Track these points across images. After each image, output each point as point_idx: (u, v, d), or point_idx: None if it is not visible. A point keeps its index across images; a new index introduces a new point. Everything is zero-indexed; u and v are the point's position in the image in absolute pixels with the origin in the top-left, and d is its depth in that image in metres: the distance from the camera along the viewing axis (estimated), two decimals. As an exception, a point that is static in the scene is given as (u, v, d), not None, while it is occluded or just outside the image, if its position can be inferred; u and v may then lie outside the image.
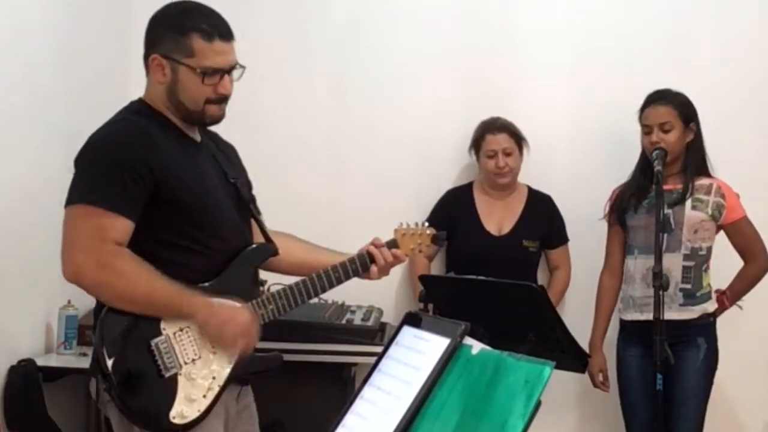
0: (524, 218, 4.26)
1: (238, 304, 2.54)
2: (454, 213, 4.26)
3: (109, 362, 2.39)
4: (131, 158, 2.43)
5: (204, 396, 2.47)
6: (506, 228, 4.24)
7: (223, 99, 2.57)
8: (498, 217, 4.26)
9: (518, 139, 4.21)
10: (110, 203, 2.40)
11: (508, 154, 4.17)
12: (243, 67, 2.60)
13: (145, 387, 2.42)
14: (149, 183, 2.44)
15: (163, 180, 2.45)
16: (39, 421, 3.42)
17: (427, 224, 2.87)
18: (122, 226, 2.42)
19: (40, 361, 3.50)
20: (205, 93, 2.53)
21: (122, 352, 2.41)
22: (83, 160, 2.50)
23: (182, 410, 2.43)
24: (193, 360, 2.47)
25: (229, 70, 2.56)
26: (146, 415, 2.43)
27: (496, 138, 4.18)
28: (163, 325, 2.45)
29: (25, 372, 3.39)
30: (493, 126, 4.21)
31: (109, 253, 2.40)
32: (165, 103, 2.57)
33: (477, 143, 4.25)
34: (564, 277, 4.30)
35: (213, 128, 2.77)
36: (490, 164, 4.19)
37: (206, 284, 2.54)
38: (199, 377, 2.47)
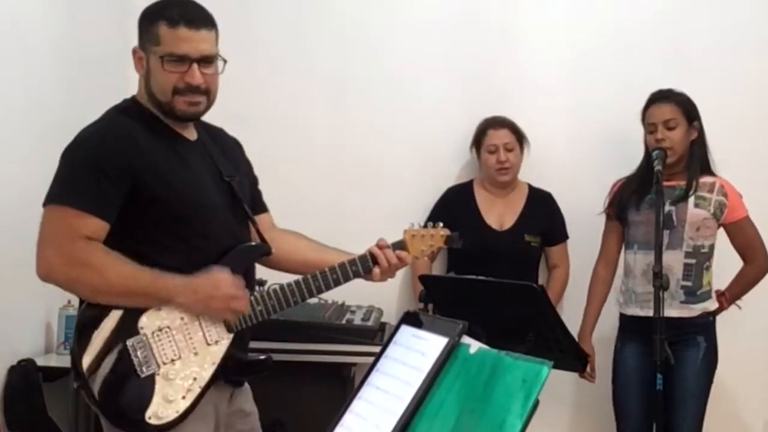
0: (525, 214, 4.27)
1: (215, 271, 2.48)
2: (455, 210, 4.26)
3: (85, 361, 2.38)
4: (107, 158, 2.42)
5: (183, 397, 2.43)
6: (508, 223, 4.25)
7: (192, 89, 2.48)
8: (499, 213, 4.27)
9: (519, 136, 4.23)
10: (82, 203, 2.39)
11: (509, 150, 4.19)
12: (224, 60, 2.54)
13: (121, 386, 2.40)
14: (126, 183, 2.42)
15: (143, 179, 2.43)
16: (39, 421, 3.43)
17: (441, 225, 2.75)
18: (95, 226, 2.40)
19: (40, 361, 3.51)
20: (170, 81, 2.47)
21: (100, 351, 2.39)
22: (62, 160, 2.50)
23: (158, 411, 2.40)
24: (173, 360, 2.44)
25: (198, 60, 2.48)
26: (120, 415, 2.41)
27: (498, 133, 4.20)
28: (141, 324, 2.43)
29: (25, 372, 3.39)
30: (494, 122, 4.24)
31: (78, 249, 2.38)
32: (149, 97, 2.56)
33: (478, 139, 4.27)
34: (562, 276, 4.30)
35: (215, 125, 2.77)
36: (491, 159, 4.20)
37: None
38: (178, 378, 2.43)
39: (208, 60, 2.50)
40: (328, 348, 3.69)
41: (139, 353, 2.41)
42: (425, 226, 2.74)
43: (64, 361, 3.58)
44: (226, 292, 2.47)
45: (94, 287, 2.41)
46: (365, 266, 2.65)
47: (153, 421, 2.40)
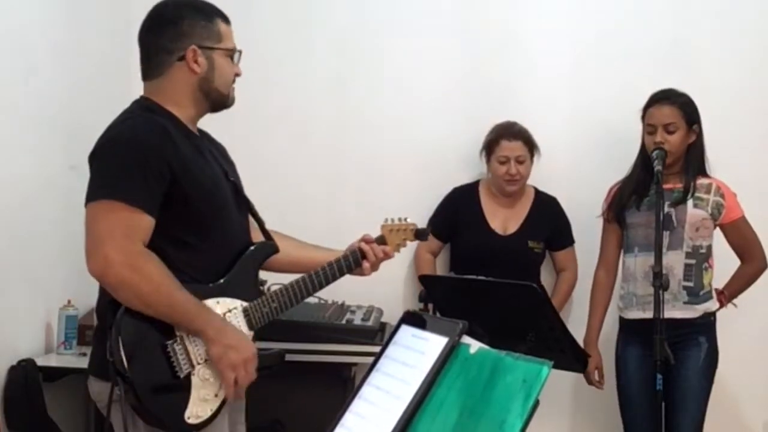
0: (530, 219, 4.24)
1: (247, 336, 2.55)
2: (458, 211, 4.26)
3: (125, 363, 2.37)
4: (153, 155, 2.42)
5: (216, 395, 2.48)
6: (512, 228, 4.22)
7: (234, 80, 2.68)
8: (503, 217, 4.24)
9: (531, 147, 4.17)
10: (135, 200, 2.39)
11: (520, 162, 4.13)
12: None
13: (162, 388, 2.42)
14: (168, 180, 2.43)
15: (180, 177, 2.45)
16: (39, 421, 3.42)
17: (408, 219, 2.92)
18: (146, 224, 2.41)
19: (40, 361, 3.50)
20: (232, 74, 2.64)
21: (139, 353, 2.39)
22: (104, 156, 2.47)
23: (197, 410, 2.44)
24: (206, 360, 2.47)
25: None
26: (162, 416, 2.43)
27: (511, 145, 4.13)
28: None
29: (25, 372, 3.39)
30: (509, 132, 4.16)
31: (139, 254, 2.38)
32: (190, 96, 2.58)
33: (490, 147, 4.20)
34: (570, 279, 4.28)
35: (211, 128, 2.78)
36: (501, 170, 4.15)
37: (215, 284, 2.54)
38: (211, 377, 2.47)
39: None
40: (328, 348, 3.68)
41: (178, 355, 2.43)
42: (397, 220, 2.93)
43: (64, 361, 3.60)
44: (245, 355, 2.49)
45: (143, 297, 2.39)
46: (356, 261, 2.81)
47: (192, 421, 2.43)
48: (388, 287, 4.32)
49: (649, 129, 3.82)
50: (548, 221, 4.27)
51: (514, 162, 4.12)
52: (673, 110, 3.78)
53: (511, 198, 4.25)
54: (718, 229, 3.88)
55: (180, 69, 2.56)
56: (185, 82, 2.57)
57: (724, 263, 3.93)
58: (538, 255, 4.24)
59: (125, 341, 2.38)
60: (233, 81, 2.65)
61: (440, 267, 4.38)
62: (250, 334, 2.58)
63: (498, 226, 4.22)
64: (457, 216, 4.24)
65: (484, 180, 4.34)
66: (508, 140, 4.14)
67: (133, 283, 2.38)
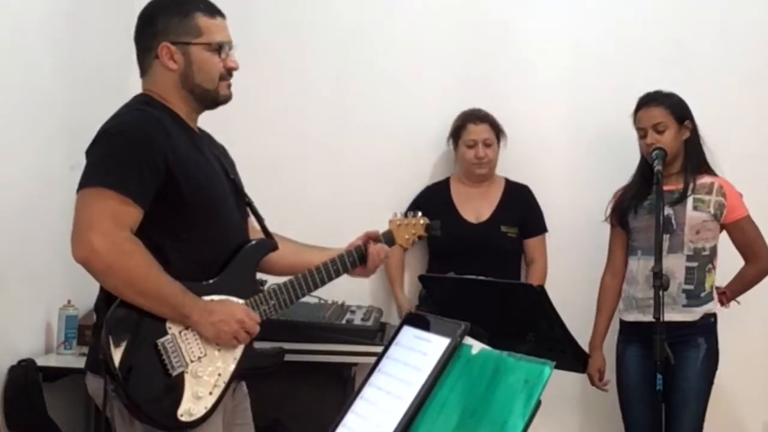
0: (502, 205, 4.27)
1: (233, 301, 2.54)
2: (429, 206, 4.23)
3: (117, 361, 2.37)
4: (148, 148, 2.42)
5: (210, 393, 2.47)
6: (484, 216, 4.25)
7: (230, 75, 2.62)
8: (475, 206, 4.27)
9: (498, 131, 4.25)
10: (126, 190, 2.38)
11: (487, 145, 4.21)
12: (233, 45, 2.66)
13: (153, 386, 2.41)
14: (162, 174, 2.43)
15: (175, 171, 2.45)
16: (39, 421, 3.42)
17: (420, 214, 2.92)
18: (135, 214, 2.41)
19: (40, 361, 3.50)
20: (217, 69, 2.58)
21: (129, 352, 2.39)
22: (99, 146, 2.47)
23: (190, 408, 2.43)
24: (199, 358, 2.47)
25: (231, 46, 2.62)
26: (154, 414, 2.42)
27: (477, 128, 4.21)
28: (168, 324, 2.44)
29: (25, 372, 3.38)
30: (474, 116, 4.24)
31: (125, 239, 2.38)
32: (176, 93, 2.57)
33: (457, 132, 4.27)
34: (540, 271, 4.25)
35: (210, 128, 2.78)
36: (469, 153, 4.21)
37: (210, 281, 2.53)
38: (205, 374, 2.47)
39: (232, 45, 2.64)
40: (328, 348, 3.68)
41: (169, 353, 2.43)
42: (405, 215, 2.94)
43: (64, 361, 3.59)
44: (239, 318, 2.51)
45: (130, 281, 2.39)
46: (360, 258, 2.80)
47: (185, 419, 2.42)
48: (388, 287, 4.33)
49: (640, 133, 3.83)
50: (520, 207, 4.29)
51: (481, 145, 4.19)
52: (660, 110, 3.79)
53: (482, 187, 4.29)
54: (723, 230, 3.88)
55: (158, 67, 2.58)
56: (166, 79, 2.58)
57: (727, 263, 3.92)
58: (513, 241, 4.24)
59: (116, 338, 2.38)
60: (224, 76, 2.60)
61: (417, 261, 4.37)
62: None
63: (470, 215, 4.25)
64: (428, 211, 4.24)
65: (454, 174, 4.37)
66: (475, 123, 4.22)
67: (119, 267, 2.38)
